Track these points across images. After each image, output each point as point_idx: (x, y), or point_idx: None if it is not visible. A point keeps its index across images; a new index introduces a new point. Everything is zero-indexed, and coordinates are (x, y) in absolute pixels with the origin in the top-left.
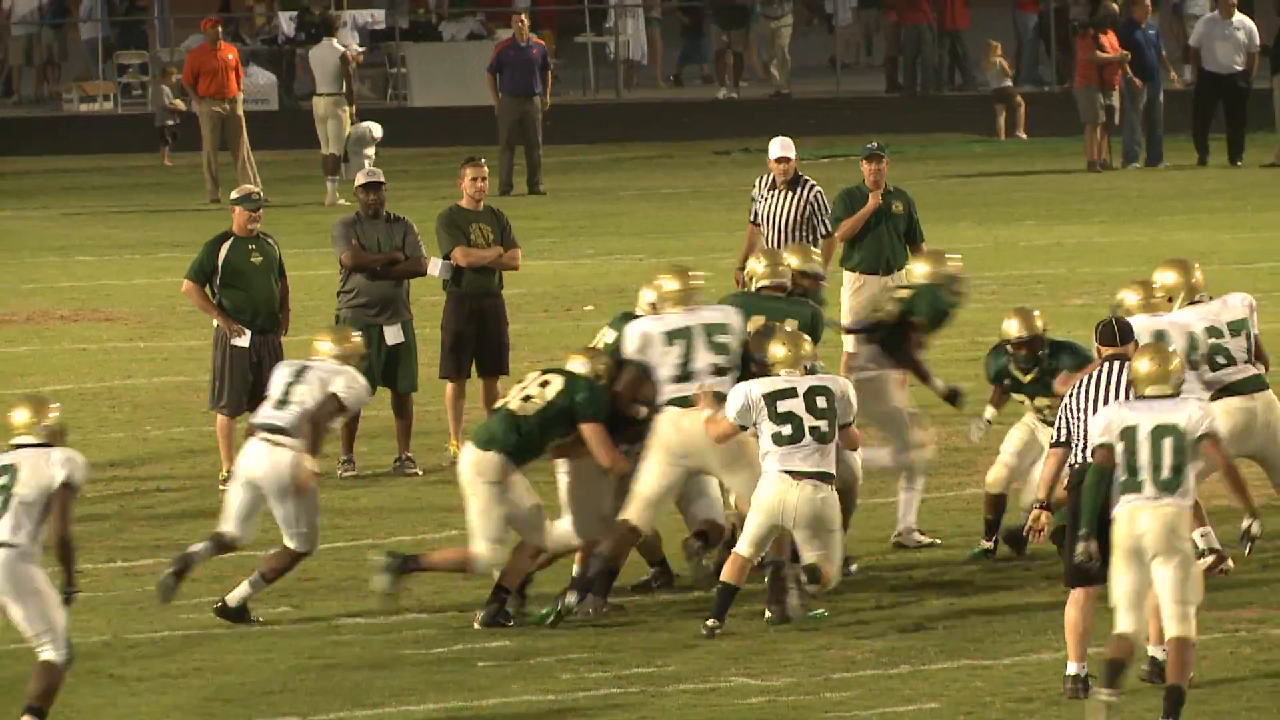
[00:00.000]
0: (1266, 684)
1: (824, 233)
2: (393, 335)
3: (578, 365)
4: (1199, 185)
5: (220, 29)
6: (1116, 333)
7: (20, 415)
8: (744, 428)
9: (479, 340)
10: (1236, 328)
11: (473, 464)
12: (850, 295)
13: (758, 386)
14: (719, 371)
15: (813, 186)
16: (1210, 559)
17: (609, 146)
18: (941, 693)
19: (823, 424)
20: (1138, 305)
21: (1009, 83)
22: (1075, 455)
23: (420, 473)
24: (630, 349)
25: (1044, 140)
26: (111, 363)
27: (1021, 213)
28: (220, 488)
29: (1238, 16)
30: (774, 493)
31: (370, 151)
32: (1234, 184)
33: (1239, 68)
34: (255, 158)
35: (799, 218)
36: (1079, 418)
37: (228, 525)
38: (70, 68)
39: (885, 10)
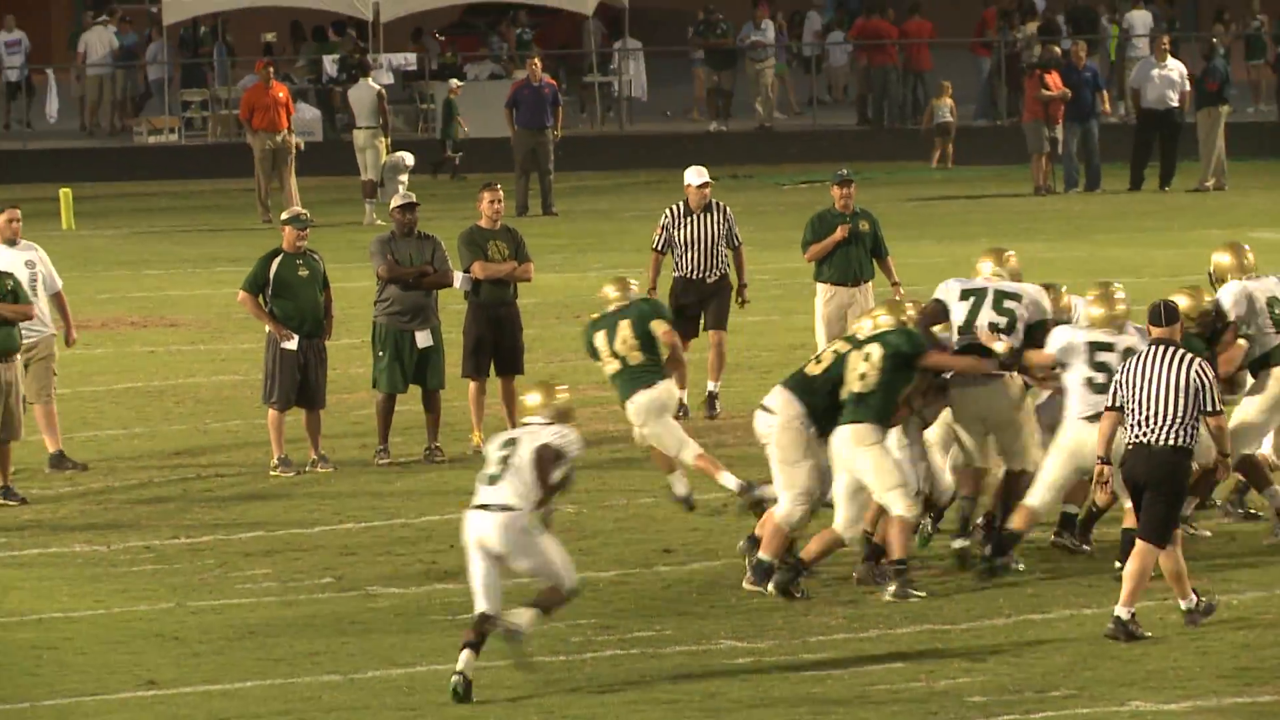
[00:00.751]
0: (1191, 645)
1: (736, 245)
2: (423, 339)
3: (885, 319)
4: (1132, 208)
5: (272, 70)
6: (1163, 315)
7: (533, 398)
8: (1061, 365)
9: (497, 344)
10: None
11: (851, 434)
12: (823, 304)
13: (1083, 334)
14: (993, 328)
15: (725, 208)
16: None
17: (613, 173)
18: (907, 653)
19: None
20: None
21: (949, 118)
22: (1130, 433)
23: (447, 460)
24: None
25: (994, 168)
26: (176, 363)
27: (975, 231)
28: (271, 473)
29: (1170, 60)
30: (1074, 437)
31: (404, 178)
32: (1163, 206)
33: (1173, 104)
34: (301, 183)
35: (718, 236)
36: (1132, 395)
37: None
38: (139, 104)
39: (857, 53)
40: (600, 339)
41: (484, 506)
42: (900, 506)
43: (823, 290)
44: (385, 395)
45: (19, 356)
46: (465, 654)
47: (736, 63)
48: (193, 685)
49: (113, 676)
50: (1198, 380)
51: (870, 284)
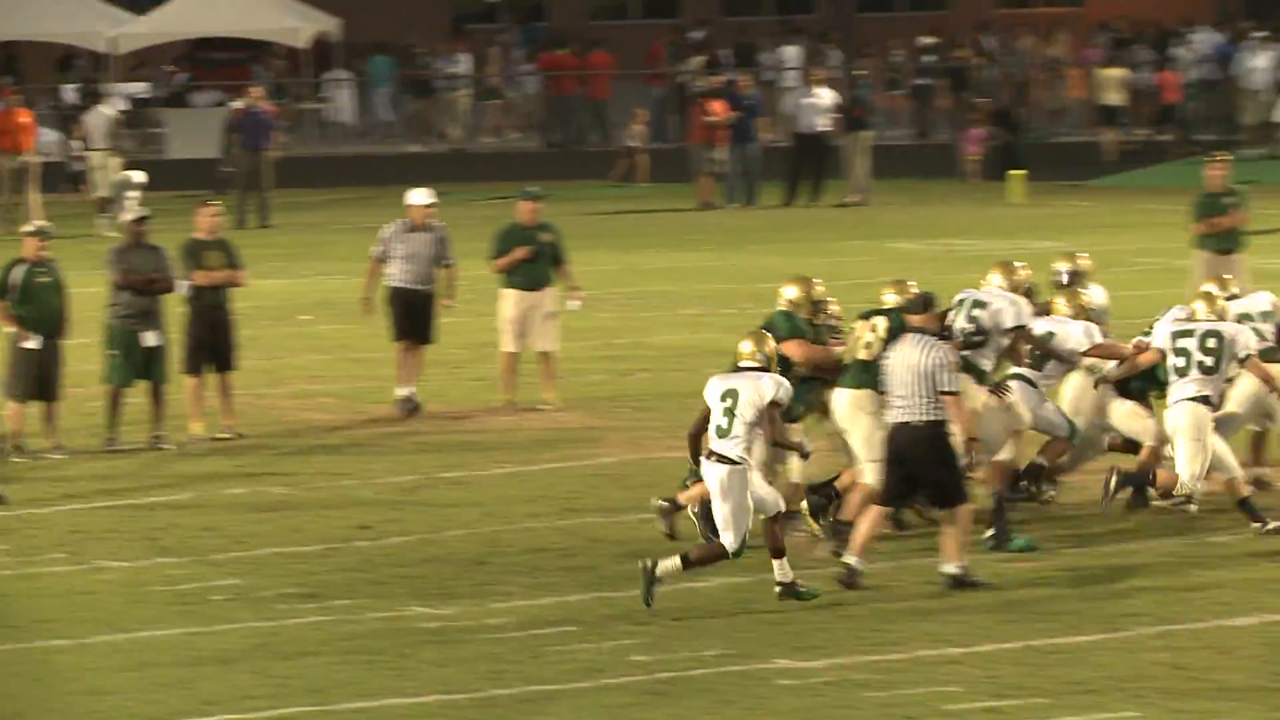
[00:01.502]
0: (834, 611)
1: (448, 263)
2: (151, 339)
3: (891, 296)
4: (785, 221)
5: (16, 97)
6: (920, 305)
7: (746, 346)
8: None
9: (214, 343)
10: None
11: (851, 401)
12: (509, 308)
13: (1169, 325)
14: (963, 333)
15: (441, 227)
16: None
17: (324, 190)
18: (580, 619)
19: (1209, 360)
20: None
21: (638, 143)
22: (893, 412)
23: (172, 446)
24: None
25: (664, 185)
26: None
27: (646, 242)
28: (10, 459)
29: (820, 89)
30: (1167, 416)
31: (133, 193)
32: (813, 220)
33: (821, 129)
34: (43, 199)
35: (432, 254)
36: (893, 378)
37: None
38: None
39: (544, 83)
40: None
41: (714, 455)
42: (871, 478)
43: (508, 295)
44: (115, 389)
45: None
46: (675, 560)
47: (433, 91)
48: None
49: None
50: (934, 362)
51: (551, 289)
